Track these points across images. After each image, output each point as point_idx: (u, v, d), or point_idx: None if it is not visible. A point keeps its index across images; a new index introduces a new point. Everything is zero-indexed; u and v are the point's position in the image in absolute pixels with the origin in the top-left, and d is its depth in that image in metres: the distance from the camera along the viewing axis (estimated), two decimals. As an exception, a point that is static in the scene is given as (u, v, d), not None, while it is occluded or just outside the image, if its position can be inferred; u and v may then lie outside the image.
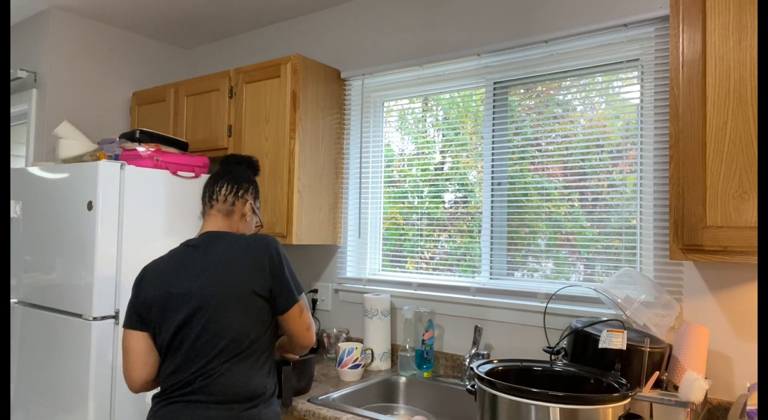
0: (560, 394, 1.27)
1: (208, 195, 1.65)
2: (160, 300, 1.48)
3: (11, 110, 3.03)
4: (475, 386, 1.46)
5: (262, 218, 1.78)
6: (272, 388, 1.53)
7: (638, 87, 1.90)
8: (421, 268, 2.43)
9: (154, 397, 1.49)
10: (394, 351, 2.37)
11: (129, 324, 1.52)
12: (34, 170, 2.43)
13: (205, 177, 2.52)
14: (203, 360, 1.43)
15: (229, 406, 1.42)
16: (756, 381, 1.61)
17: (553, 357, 1.62)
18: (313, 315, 2.69)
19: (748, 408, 1.39)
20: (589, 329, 1.61)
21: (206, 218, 1.63)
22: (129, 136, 2.42)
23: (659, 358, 1.57)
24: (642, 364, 1.53)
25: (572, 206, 2.05)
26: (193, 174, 2.45)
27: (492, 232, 2.23)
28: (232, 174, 1.68)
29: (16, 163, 3.24)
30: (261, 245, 1.51)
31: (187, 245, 1.56)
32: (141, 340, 1.50)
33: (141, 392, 1.55)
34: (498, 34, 2.22)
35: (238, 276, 1.46)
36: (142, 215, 2.24)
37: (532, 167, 2.15)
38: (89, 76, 3.01)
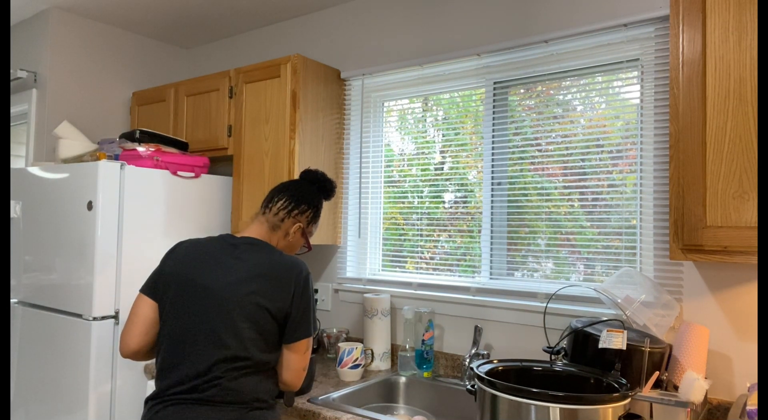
0: (560, 394, 1.27)
1: (266, 201, 1.64)
2: (180, 282, 1.47)
3: (11, 110, 3.03)
4: (475, 386, 1.46)
5: (311, 243, 1.73)
6: (276, 391, 1.53)
7: (638, 87, 1.90)
8: (421, 268, 2.43)
9: (149, 399, 1.46)
10: (394, 351, 2.37)
11: (145, 289, 1.53)
12: (34, 170, 2.43)
13: (205, 177, 2.52)
14: (211, 370, 1.41)
15: (233, 408, 1.41)
16: (756, 381, 1.61)
17: (553, 357, 1.62)
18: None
19: (748, 408, 1.39)
20: (589, 329, 1.61)
21: (254, 221, 1.63)
22: (129, 136, 2.42)
23: (659, 358, 1.57)
24: (642, 364, 1.53)
25: (572, 206, 2.05)
26: (193, 174, 2.45)
27: (492, 232, 2.23)
28: (297, 190, 1.64)
29: (16, 163, 3.24)
30: (293, 268, 1.49)
31: (227, 241, 1.54)
32: (150, 308, 1.50)
33: (128, 359, 1.53)
34: (498, 34, 2.22)
35: (259, 290, 1.44)
36: (142, 215, 2.24)
37: (532, 167, 2.15)
38: (89, 76, 3.01)
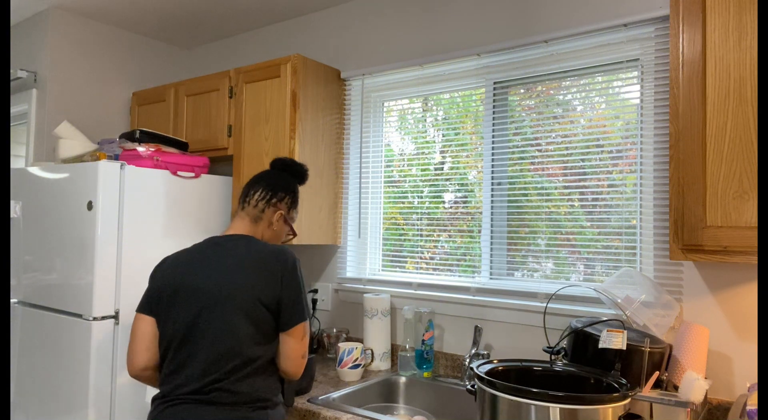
0: (560, 394, 1.27)
1: (243, 196, 1.64)
2: (171, 289, 1.49)
3: (11, 110, 3.03)
4: (475, 386, 1.46)
5: (295, 229, 1.74)
6: (279, 390, 1.53)
7: (638, 87, 1.90)
8: (421, 268, 2.43)
9: (156, 399, 1.48)
10: (394, 351, 2.37)
11: (140, 308, 1.54)
12: (34, 170, 2.43)
13: (205, 177, 2.52)
14: (211, 372, 1.42)
15: (238, 407, 1.42)
16: (756, 381, 1.61)
17: (553, 357, 1.62)
18: (312, 315, 2.69)
19: (748, 408, 1.39)
20: (589, 329, 1.61)
21: (235, 218, 1.63)
22: (129, 136, 2.42)
23: (659, 358, 1.57)
24: (642, 364, 1.53)
25: (572, 206, 2.05)
26: (193, 174, 2.45)
27: (492, 232, 2.23)
28: (271, 179, 1.65)
29: (16, 163, 3.24)
30: (279, 256, 1.50)
31: (211, 242, 1.56)
32: (148, 325, 1.51)
33: (138, 378, 1.54)
34: (498, 34, 2.22)
35: (247, 281, 1.45)
36: (142, 215, 2.24)
37: (532, 167, 2.15)
38: (89, 76, 3.01)
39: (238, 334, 1.43)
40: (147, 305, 1.53)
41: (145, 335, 1.51)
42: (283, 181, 1.67)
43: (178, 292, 1.48)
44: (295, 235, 1.73)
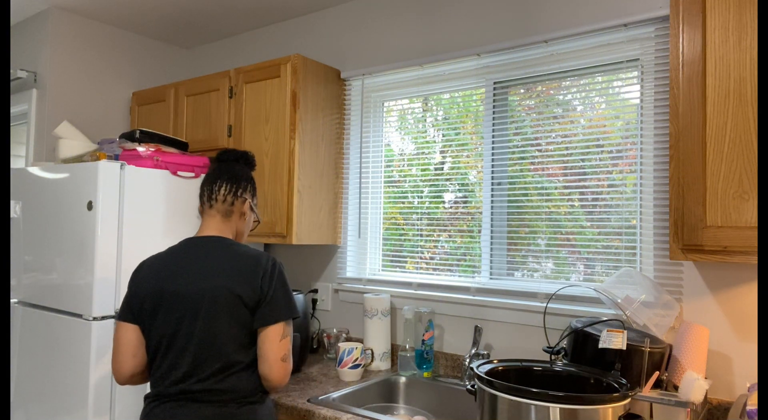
0: (560, 394, 1.27)
1: (207, 194, 1.63)
2: (153, 296, 1.48)
3: (11, 110, 3.03)
4: (475, 386, 1.46)
5: (260, 215, 1.77)
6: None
7: (638, 87, 1.90)
8: (421, 268, 2.43)
9: (146, 397, 1.50)
10: (394, 351, 2.37)
11: (121, 316, 1.53)
12: (34, 170, 2.43)
13: (205, 177, 2.52)
14: (197, 373, 1.43)
15: (225, 404, 1.44)
16: (756, 381, 1.61)
17: (553, 357, 1.62)
18: (312, 315, 2.69)
19: (748, 408, 1.39)
20: (589, 329, 1.61)
21: (205, 218, 1.62)
22: (129, 136, 2.41)
23: (659, 358, 1.57)
24: (642, 364, 1.53)
25: (572, 206, 2.05)
26: (193, 174, 2.45)
27: (492, 232, 2.23)
28: (229, 172, 1.65)
29: (16, 163, 3.24)
30: (259, 258, 1.50)
31: (187, 244, 1.55)
32: (131, 332, 1.51)
33: (126, 384, 1.54)
34: (498, 34, 2.22)
35: (229, 284, 1.44)
36: (142, 215, 2.24)
37: (532, 167, 2.15)
38: (89, 76, 3.01)
39: (222, 337, 1.43)
40: (129, 313, 1.52)
41: (130, 343, 1.50)
42: (240, 171, 1.67)
43: (160, 299, 1.47)
44: (259, 221, 1.75)
